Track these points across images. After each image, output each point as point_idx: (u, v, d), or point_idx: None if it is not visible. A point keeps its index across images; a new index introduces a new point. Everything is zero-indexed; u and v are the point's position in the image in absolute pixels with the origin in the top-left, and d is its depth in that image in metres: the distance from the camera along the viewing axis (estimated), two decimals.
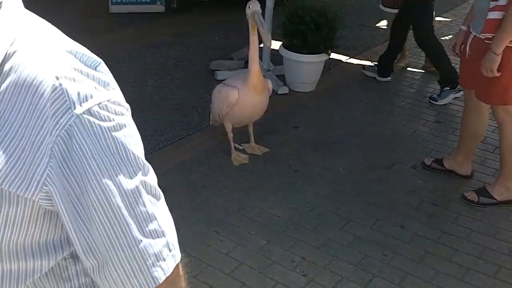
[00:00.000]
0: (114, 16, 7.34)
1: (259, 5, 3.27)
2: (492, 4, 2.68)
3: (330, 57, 4.70)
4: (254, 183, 3.38)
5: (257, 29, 3.31)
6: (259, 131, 3.95)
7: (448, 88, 4.44)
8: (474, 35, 2.90)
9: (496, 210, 3.13)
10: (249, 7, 3.28)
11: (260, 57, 4.78)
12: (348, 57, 5.56)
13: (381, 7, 4.92)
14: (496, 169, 3.52)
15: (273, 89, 3.73)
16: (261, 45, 4.63)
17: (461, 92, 4.03)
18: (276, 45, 4.97)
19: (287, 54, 4.58)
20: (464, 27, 3.14)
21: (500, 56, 2.71)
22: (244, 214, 3.07)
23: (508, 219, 3.06)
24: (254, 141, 3.76)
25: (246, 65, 3.43)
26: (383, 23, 6.70)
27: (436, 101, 4.45)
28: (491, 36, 2.73)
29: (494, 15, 2.67)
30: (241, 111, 3.44)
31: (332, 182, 3.39)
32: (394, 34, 4.68)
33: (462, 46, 3.09)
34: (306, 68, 4.60)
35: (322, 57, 4.56)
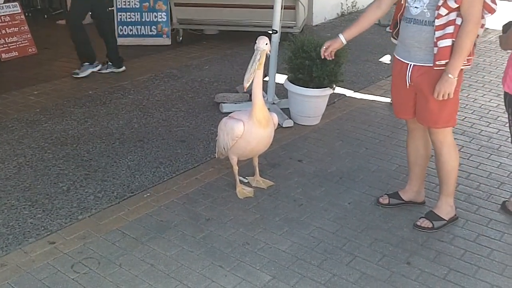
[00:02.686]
0: (120, 48, 7.43)
1: (267, 42, 3.29)
2: (439, 33, 2.79)
3: (335, 91, 4.73)
4: (259, 216, 3.36)
5: (261, 63, 3.33)
6: (264, 164, 3.96)
7: (88, 63, 6.00)
8: (414, 65, 2.97)
9: (504, 246, 3.10)
10: (255, 43, 3.31)
11: (265, 91, 4.83)
12: (353, 91, 5.61)
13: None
14: (500, 205, 3.51)
15: (278, 122, 3.74)
16: (266, 79, 4.69)
17: (99, 67, 6.07)
18: (281, 79, 5.03)
19: (292, 88, 4.62)
20: (343, 38, 3.23)
21: (456, 79, 2.84)
22: (248, 248, 3.04)
23: None
24: (259, 174, 3.75)
25: (251, 98, 3.44)
26: (386, 58, 6.77)
27: (78, 74, 5.92)
28: (444, 63, 2.83)
29: (445, 43, 2.79)
30: (246, 145, 3.44)
31: (337, 217, 3.37)
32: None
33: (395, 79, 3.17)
34: (311, 102, 4.64)
35: (327, 91, 4.60)
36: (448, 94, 2.87)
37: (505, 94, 3.29)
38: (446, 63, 2.82)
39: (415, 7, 2.87)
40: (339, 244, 3.09)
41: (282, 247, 3.06)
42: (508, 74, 3.21)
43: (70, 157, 4.13)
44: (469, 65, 2.92)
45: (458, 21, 2.76)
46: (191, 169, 3.96)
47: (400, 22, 3.07)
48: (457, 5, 2.72)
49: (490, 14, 2.82)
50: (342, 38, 3.25)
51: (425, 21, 2.85)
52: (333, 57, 3.40)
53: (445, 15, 2.76)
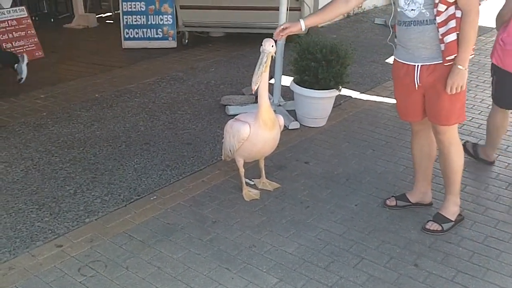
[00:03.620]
0: (126, 51, 7.48)
1: (273, 44, 3.24)
2: (443, 30, 2.82)
3: (341, 92, 4.72)
4: (265, 219, 3.36)
5: (267, 65, 3.31)
6: (270, 167, 3.95)
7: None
8: (421, 65, 2.97)
9: (510, 246, 3.07)
10: (261, 45, 3.28)
11: (271, 92, 4.83)
12: (359, 93, 5.60)
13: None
14: (510, 206, 3.49)
15: (284, 124, 3.73)
16: (272, 81, 4.69)
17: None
18: (287, 80, 5.03)
19: (298, 90, 4.61)
20: (303, 24, 3.14)
21: (467, 70, 2.88)
22: (255, 251, 3.04)
23: None
24: (265, 177, 3.75)
25: (257, 100, 3.43)
26: (392, 59, 6.75)
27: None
28: (453, 57, 2.85)
29: (451, 37, 2.81)
30: (252, 147, 3.44)
31: (344, 219, 3.36)
32: None
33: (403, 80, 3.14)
34: (317, 104, 4.63)
35: (333, 93, 4.59)
36: (461, 87, 2.89)
37: (492, 64, 3.75)
38: (455, 56, 2.85)
39: (412, 10, 2.87)
40: (346, 246, 3.08)
41: (289, 250, 3.05)
42: (496, 49, 3.64)
43: (77, 161, 4.14)
44: (473, 54, 2.95)
45: (458, 14, 2.79)
46: (197, 172, 3.97)
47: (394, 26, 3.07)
48: None
49: (485, 0, 2.86)
50: (303, 24, 3.16)
51: (426, 20, 2.85)
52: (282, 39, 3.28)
53: (444, 10, 2.78)
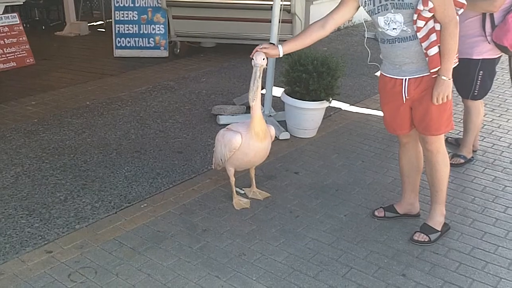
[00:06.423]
0: (118, 59, 7.50)
1: (264, 57, 3.19)
2: (425, 44, 2.89)
3: (331, 104, 4.78)
4: (255, 228, 3.38)
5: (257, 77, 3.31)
6: (261, 176, 3.98)
7: None
8: (409, 78, 3.03)
9: (498, 259, 3.12)
10: (252, 59, 3.28)
11: (262, 103, 4.87)
12: (349, 105, 5.66)
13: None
14: (496, 219, 3.54)
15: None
16: (263, 92, 4.73)
17: None
18: (278, 91, 5.08)
19: (289, 101, 4.66)
20: (281, 51, 3.15)
21: (451, 80, 2.95)
22: (245, 259, 3.06)
23: (509, 268, 3.05)
24: (256, 186, 3.78)
25: (247, 110, 3.46)
26: None
27: None
28: (437, 69, 2.92)
29: (434, 50, 2.88)
30: (244, 156, 3.47)
31: (333, 228, 3.39)
32: None
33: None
34: (308, 115, 4.68)
35: (323, 104, 4.64)
36: (447, 96, 2.95)
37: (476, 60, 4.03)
38: (439, 68, 2.92)
39: (393, 29, 2.93)
40: (335, 256, 3.11)
41: (278, 258, 3.07)
42: None
43: (67, 167, 4.15)
44: (457, 62, 3.01)
45: (437, 27, 2.86)
46: (188, 180, 3.98)
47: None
48: (431, 14, 2.81)
49: (462, 9, 2.94)
50: (281, 51, 3.17)
51: (409, 36, 2.92)
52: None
53: (424, 26, 2.85)
